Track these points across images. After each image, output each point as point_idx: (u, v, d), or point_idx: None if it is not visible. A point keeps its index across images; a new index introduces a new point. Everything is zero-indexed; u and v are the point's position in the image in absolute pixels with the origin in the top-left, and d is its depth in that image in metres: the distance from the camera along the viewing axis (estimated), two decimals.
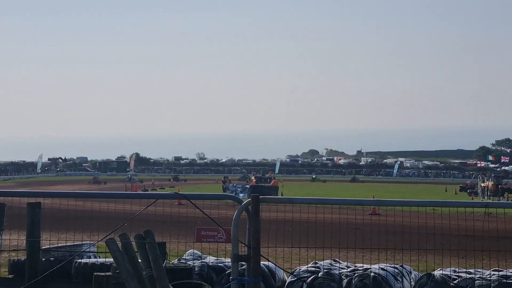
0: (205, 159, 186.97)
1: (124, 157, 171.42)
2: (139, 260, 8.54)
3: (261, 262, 10.83)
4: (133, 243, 8.64)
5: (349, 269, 11.62)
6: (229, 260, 10.22)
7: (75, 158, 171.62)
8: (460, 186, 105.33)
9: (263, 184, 78.39)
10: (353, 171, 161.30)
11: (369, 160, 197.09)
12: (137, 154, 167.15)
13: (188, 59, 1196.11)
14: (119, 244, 8.51)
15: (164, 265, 9.54)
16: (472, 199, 76.36)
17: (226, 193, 56.76)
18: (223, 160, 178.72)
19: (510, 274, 10.21)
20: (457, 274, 10.58)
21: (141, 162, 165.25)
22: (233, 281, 9.39)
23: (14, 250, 14.18)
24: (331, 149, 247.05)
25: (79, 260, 13.77)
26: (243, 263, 9.53)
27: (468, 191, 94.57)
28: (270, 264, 12.30)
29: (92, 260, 13.90)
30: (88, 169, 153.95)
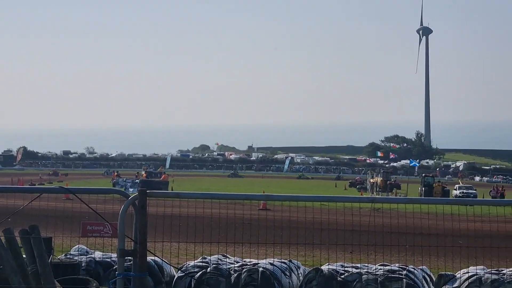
0: (95, 153, 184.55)
1: (11, 151, 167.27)
2: (24, 256, 8.26)
3: (150, 257, 10.64)
4: (18, 238, 8.35)
5: (237, 264, 11.54)
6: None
7: None
8: (349, 182, 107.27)
9: (153, 179, 77.95)
10: (244, 167, 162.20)
11: (260, 155, 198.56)
12: (24, 148, 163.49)
13: (74, 51, 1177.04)
14: (3, 239, 8.22)
15: (50, 260, 9.26)
16: (361, 194, 77.70)
17: (113, 188, 55.99)
18: (113, 155, 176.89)
19: (396, 268, 10.32)
20: (345, 268, 10.63)
21: (29, 156, 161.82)
22: (119, 276, 9.21)
23: None
24: (222, 144, 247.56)
25: None
26: (130, 258, 9.37)
27: (358, 186, 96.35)
28: (159, 259, 12.13)
29: None
30: None
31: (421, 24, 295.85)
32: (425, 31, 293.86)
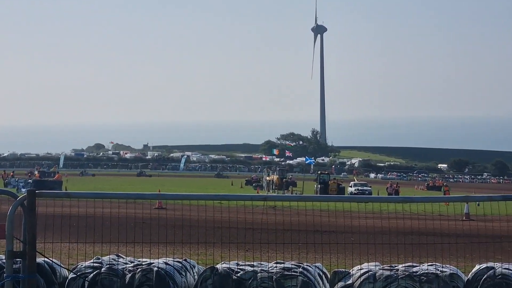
0: None
1: None
2: None
3: (43, 259, 10.35)
4: None
5: (132, 264, 11.34)
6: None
7: None
8: (246, 180, 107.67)
9: (46, 179, 76.44)
10: (140, 165, 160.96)
11: (156, 154, 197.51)
12: None
13: None
14: None
15: None
16: (258, 192, 78.05)
17: (1, 188, 54.57)
18: (5, 154, 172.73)
19: (291, 266, 10.31)
20: (240, 267, 10.57)
21: None
22: (7, 279, 8.93)
23: None
24: (117, 143, 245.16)
25: None
26: (20, 259, 9.11)
27: (254, 184, 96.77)
28: (53, 260, 11.82)
29: None
30: None
31: (316, 22, 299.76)
32: (319, 30, 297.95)
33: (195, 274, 11.03)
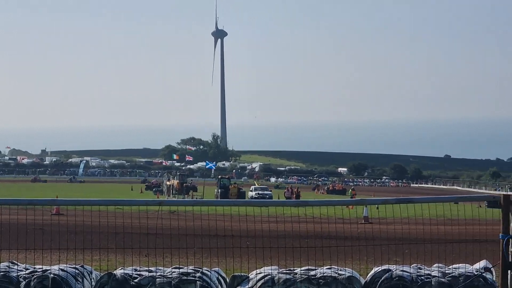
0: None
1: None
2: None
3: None
4: None
5: (27, 271, 11.05)
6: None
7: None
8: (146, 185, 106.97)
9: None
10: (37, 171, 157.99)
11: (54, 159, 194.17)
12: None
13: None
14: None
15: None
16: (158, 197, 77.62)
17: None
18: None
19: (190, 271, 10.23)
20: (139, 272, 10.43)
21: None
22: None
23: None
24: (13, 149, 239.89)
25: None
26: None
27: (154, 189, 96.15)
28: None
29: None
30: None
31: (216, 27, 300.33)
32: (220, 34, 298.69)
33: (92, 280, 10.83)
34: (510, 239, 8.88)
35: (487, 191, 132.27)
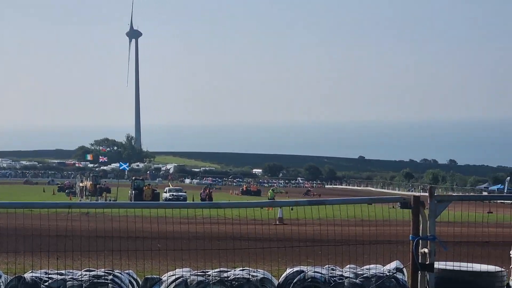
0: None
1: None
2: None
3: None
4: None
5: None
6: None
7: None
8: (58, 186, 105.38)
9: None
10: None
11: None
12: None
13: None
14: None
15: None
16: (70, 199, 76.59)
17: None
18: None
19: (101, 273, 10.08)
20: (49, 275, 10.23)
21: None
22: None
23: None
24: None
25: None
26: None
27: (67, 191, 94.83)
28: None
29: None
30: None
31: (131, 27, 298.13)
32: (134, 34, 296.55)
33: (1, 284, 10.59)
34: (420, 240, 9.00)
35: (400, 192, 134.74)
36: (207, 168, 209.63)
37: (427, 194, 9.41)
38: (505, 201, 68.93)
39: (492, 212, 41.29)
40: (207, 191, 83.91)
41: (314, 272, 10.39)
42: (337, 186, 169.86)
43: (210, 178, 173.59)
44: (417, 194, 9.28)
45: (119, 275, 10.13)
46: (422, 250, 8.88)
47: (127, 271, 10.52)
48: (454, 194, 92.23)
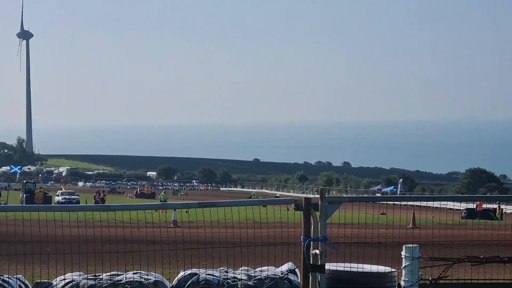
0: None
1: None
2: None
3: None
4: None
5: None
6: None
7: None
8: None
9: None
10: None
11: None
12: None
13: None
14: None
15: None
16: None
17: None
18: None
19: None
20: None
21: None
22: None
23: None
24: None
25: None
26: None
27: None
28: None
29: None
30: None
31: (22, 28, 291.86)
32: (25, 35, 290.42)
33: None
34: (311, 242, 9.07)
35: (294, 194, 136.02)
36: (100, 171, 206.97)
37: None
38: (397, 203, 70.51)
39: (385, 214, 42.25)
40: (102, 194, 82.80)
41: (208, 274, 10.38)
42: (232, 189, 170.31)
43: (103, 181, 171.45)
44: (309, 196, 9.36)
45: (8, 280, 9.89)
46: (314, 251, 8.95)
47: (17, 276, 10.27)
48: (346, 196, 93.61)
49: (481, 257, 12.48)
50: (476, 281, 12.99)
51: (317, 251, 8.82)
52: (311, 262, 8.92)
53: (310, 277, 8.85)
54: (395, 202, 69.96)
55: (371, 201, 43.82)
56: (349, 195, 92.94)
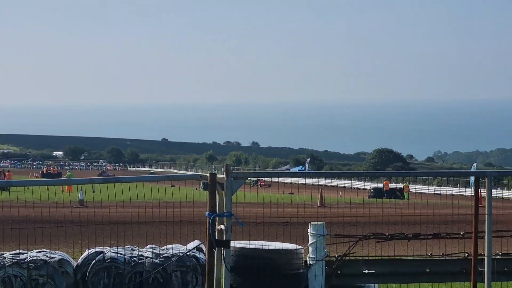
0: None
1: None
2: None
3: None
4: None
5: None
6: None
7: None
8: None
9: None
10: None
11: None
12: None
13: None
14: None
15: None
16: None
17: None
18: None
19: None
20: None
21: None
22: None
23: None
24: None
25: None
26: None
27: None
28: None
29: None
30: None
31: None
32: None
33: None
34: (217, 217, 9.01)
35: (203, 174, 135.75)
36: (5, 151, 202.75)
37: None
38: (305, 182, 71.22)
39: (293, 193, 42.60)
40: (5, 174, 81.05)
41: (113, 252, 10.30)
42: (140, 169, 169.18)
43: (8, 161, 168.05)
44: (215, 172, 9.30)
45: None
46: (219, 227, 8.90)
47: None
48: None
49: (387, 234, 12.71)
50: (380, 257, 13.22)
51: (222, 227, 8.78)
52: (216, 238, 8.87)
53: (216, 252, 8.80)
54: (303, 182, 70.69)
55: (275, 176, 44.11)
56: None
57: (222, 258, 8.70)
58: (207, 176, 9.12)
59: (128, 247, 10.73)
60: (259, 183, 76.70)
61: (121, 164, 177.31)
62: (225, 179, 8.99)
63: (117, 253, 10.31)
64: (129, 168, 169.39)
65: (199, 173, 10.36)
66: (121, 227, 17.49)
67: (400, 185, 75.65)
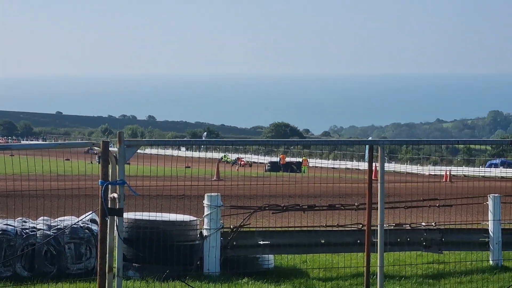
0: None
1: None
2: None
3: None
4: None
5: None
6: None
7: None
8: None
9: None
10: None
11: None
12: None
13: None
14: None
15: None
16: None
17: None
18: None
19: None
20: None
21: None
22: None
23: None
24: None
25: None
26: None
27: None
28: None
29: None
30: None
31: None
32: None
33: None
34: (109, 186, 8.84)
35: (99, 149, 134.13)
36: None
37: None
38: (202, 156, 71.26)
39: (190, 167, 42.59)
40: None
41: (5, 224, 10.11)
42: (34, 142, 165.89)
43: None
44: (107, 140, 9.09)
45: None
46: (112, 195, 8.75)
47: None
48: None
49: (282, 205, 12.85)
50: (274, 229, 13.35)
51: (115, 195, 8.63)
52: (109, 206, 8.70)
53: (108, 221, 8.64)
54: (200, 156, 70.71)
55: (169, 144, 43.94)
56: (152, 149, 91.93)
57: (115, 227, 8.56)
58: (99, 144, 8.90)
59: (20, 219, 10.53)
60: (239, 162, 76.07)
61: (14, 137, 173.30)
62: (117, 146, 8.82)
63: (7, 225, 10.11)
64: (22, 142, 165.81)
65: (91, 141, 10.12)
66: (12, 199, 17.12)
67: (299, 159, 76.02)
